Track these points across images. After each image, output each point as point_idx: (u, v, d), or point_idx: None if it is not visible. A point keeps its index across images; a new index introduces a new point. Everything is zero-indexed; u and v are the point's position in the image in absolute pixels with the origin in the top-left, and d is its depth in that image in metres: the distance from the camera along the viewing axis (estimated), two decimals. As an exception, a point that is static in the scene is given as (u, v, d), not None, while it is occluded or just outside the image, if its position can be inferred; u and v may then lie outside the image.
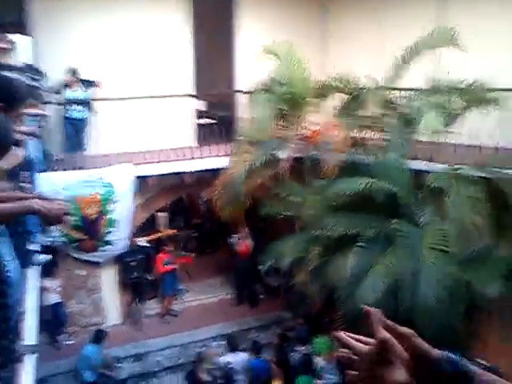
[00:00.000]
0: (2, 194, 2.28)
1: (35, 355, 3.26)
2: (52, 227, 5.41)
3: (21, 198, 2.29)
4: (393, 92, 8.33)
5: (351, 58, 8.90)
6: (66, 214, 2.30)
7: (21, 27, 8.31)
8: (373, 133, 8.57)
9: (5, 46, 6.92)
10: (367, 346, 0.89)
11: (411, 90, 8.14)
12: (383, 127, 8.27)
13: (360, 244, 7.15)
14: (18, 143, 3.48)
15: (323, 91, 8.81)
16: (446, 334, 6.01)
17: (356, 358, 0.90)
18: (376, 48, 8.99)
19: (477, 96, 7.36)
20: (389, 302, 6.56)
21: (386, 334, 0.85)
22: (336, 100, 8.83)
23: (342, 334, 0.92)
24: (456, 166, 7.23)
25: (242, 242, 9.66)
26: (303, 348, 8.02)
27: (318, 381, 6.86)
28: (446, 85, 7.69)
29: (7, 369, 2.75)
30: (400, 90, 8.26)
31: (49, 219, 2.22)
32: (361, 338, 0.92)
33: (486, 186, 6.66)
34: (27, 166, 4.62)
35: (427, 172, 7.46)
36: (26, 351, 3.03)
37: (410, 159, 7.74)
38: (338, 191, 7.47)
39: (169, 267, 9.29)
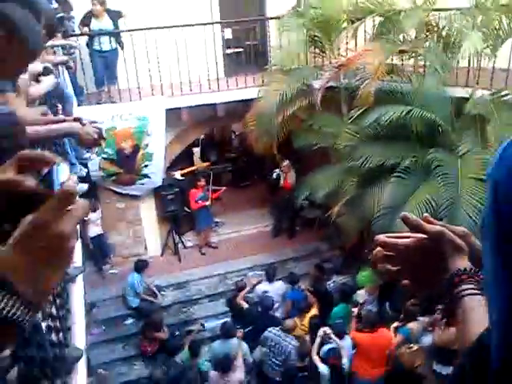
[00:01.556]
0: (41, 117, 2.31)
1: (82, 275, 3.45)
2: (88, 151, 5.48)
3: (59, 121, 2.32)
4: (432, 13, 7.85)
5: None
6: (102, 137, 2.33)
7: None
8: (410, 58, 8.20)
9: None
10: (409, 240, 0.89)
11: (452, 9, 7.63)
12: (421, 52, 7.89)
13: (397, 174, 7.05)
14: (48, 71, 3.49)
15: (357, 14, 8.36)
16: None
17: (392, 253, 0.91)
18: None
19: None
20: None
21: (441, 227, 0.85)
22: (370, 24, 8.41)
23: (381, 236, 0.93)
24: (499, 93, 6.90)
25: (285, 175, 9.60)
26: (340, 278, 8.16)
27: (355, 309, 7.02)
28: (491, 3, 7.17)
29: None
30: (440, 10, 7.75)
31: (85, 141, 2.26)
32: (398, 235, 0.93)
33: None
34: (60, 98, 4.65)
35: (468, 99, 7.15)
36: (75, 272, 3.19)
37: (449, 86, 7.41)
38: (373, 120, 7.28)
39: (201, 203, 9.40)
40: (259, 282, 8.21)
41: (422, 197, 6.70)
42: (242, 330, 6.84)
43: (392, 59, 7.92)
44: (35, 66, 3.12)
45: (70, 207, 0.66)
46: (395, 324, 6.45)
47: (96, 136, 2.24)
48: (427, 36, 8.00)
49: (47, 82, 3.25)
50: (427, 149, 7.13)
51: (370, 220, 7.15)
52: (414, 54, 8.04)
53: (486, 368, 0.59)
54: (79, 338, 3.08)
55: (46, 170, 0.82)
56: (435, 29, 7.84)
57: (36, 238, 0.63)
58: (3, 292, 0.60)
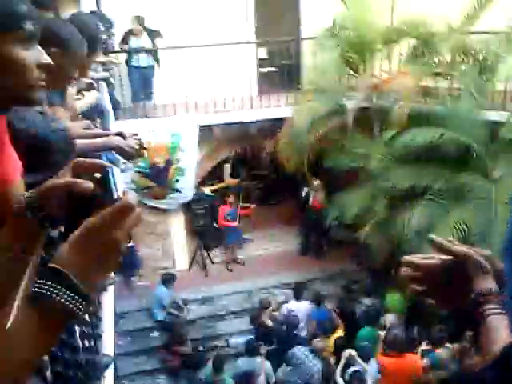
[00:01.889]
0: (86, 131, 2.41)
1: (112, 287, 3.53)
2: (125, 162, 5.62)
3: (102, 135, 2.41)
4: (468, 36, 7.81)
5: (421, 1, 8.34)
6: (143, 148, 2.42)
7: None
8: (445, 81, 8.16)
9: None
10: (435, 261, 0.92)
11: (488, 33, 7.58)
12: (457, 75, 7.84)
13: (428, 197, 6.97)
14: (90, 86, 3.63)
15: (392, 36, 8.40)
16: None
17: (419, 273, 0.93)
18: None
19: None
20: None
21: (467, 248, 0.87)
22: (405, 46, 8.42)
23: (408, 256, 0.95)
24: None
25: (315, 194, 9.62)
26: (368, 300, 8.06)
27: (381, 332, 6.91)
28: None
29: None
30: (476, 33, 7.72)
31: (127, 154, 2.35)
32: (424, 256, 0.96)
33: None
34: (99, 113, 4.80)
35: (503, 123, 7.05)
36: (107, 282, 3.27)
37: (485, 109, 7.33)
38: (406, 142, 7.24)
39: (230, 222, 9.46)
40: (285, 301, 8.17)
41: (454, 221, 6.60)
42: (265, 348, 6.81)
43: (426, 81, 7.89)
44: (79, 81, 3.25)
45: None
46: (424, 347, 6.32)
47: (138, 147, 2.32)
48: (463, 59, 7.95)
49: (90, 97, 3.39)
50: (460, 172, 7.05)
51: (400, 242, 7.06)
52: (449, 77, 7.99)
53: (510, 380, 0.61)
54: (108, 346, 3.14)
55: (99, 175, 0.89)
56: (471, 52, 7.80)
57: (93, 240, 0.70)
58: (60, 285, 0.67)
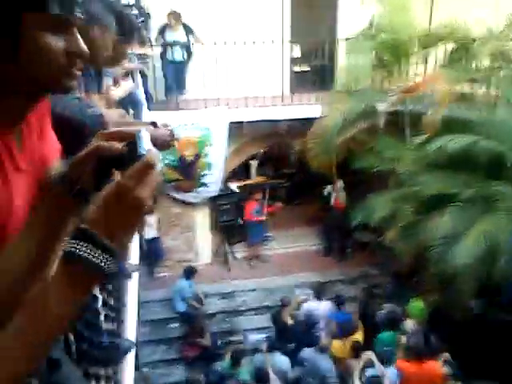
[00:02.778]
0: (121, 120, 2.46)
1: (137, 273, 3.59)
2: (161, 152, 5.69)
3: (134, 125, 2.46)
4: (508, 42, 7.64)
5: (460, 5, 8.18)
6: (174, 139, 2.44)
7: None
8: (482, 87, 8.00)
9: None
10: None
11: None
12: (493, 81, 7.68)
13: (457, 204, 6.85)
14: (126, 76, 3.70)
15: (428, 40, 8.27)
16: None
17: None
18: None
19: None
20: (483, 266, 6.31)
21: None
22: (441, 50, 8.28)
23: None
24: None
25: (336, 194, 9.59)
26: (390, 305, 7.97)
27: (402, 336, 6.84)
28: None
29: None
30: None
31: (160, 143, 2.38)
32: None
33: None
34: (133, 103, 4.88)
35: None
36: (131, 269, 3.33)
37: (521, 118, 7.16)
38: (437, 148, 7.12)
39: (258, 217, 9.50)
40: (305, 300, 8.16)
41: (482, 229, 6.47)
42: (284, 345, 6.82)
43: (462, 86, 7.75)
44: (115, 70, 3.31)
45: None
46: (446, 354, 6.23)
47: (169, 138, 2.35)
48: (501, 65, 7.78)
49: (126, 87, 3.45)
50: (491, 181, 6.90)
51: (425, 248, 6.96)
52: (485, 83, 7.83)
53: None
54: (131, 332, 3.19)
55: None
56: (510, 58, 7.62)
57: (118, 199, 0.74)
58: (88, 242, 0.72)
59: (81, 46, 0.88)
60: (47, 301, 0.72)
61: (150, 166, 0.77)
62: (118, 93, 3.21)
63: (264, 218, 9.60)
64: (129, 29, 3.03)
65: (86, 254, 0.71)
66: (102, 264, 0.72)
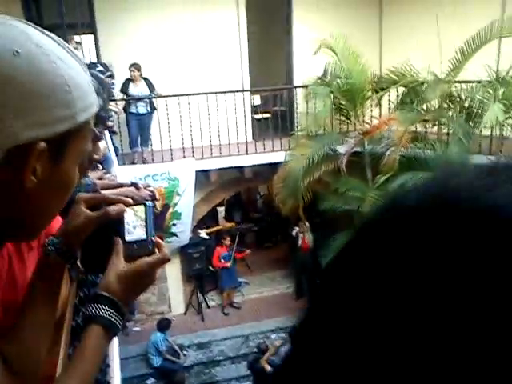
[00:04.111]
0: (101, 182, 2.53)
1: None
2: None
3: (116, 187, 2.53)
4: (453, 85, 8.19)
5: (407, 52, 8.73)
6: (155, 199, 2.52)
7: (88, 27, 8.97)
8: (433, 127, 8.47)
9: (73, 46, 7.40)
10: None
11: (473, 82, 7.96)
12: (444, 121, 8.16)
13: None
14: (99, 138, 3.77)
15: (381, 84, 8.78)
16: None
17: None
18: (433, 41, 8.63)
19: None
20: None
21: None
22: (393, 94, 8.78)
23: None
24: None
25: (303, 236, 9.76)
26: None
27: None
28: (511, 76, 7.49)
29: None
30: (462, 82, 8.10)
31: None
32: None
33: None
34: (105, 161, 4.95)
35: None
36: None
37: (473, 153, 7.59)
38: (398, 186, 7.43)
39: (225, 263, 9.52)
40: (282, 345, 8.12)
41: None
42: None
43: (416, 127, 8.18)
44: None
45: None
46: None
47: (150, 199, 2.43)
48: (450, 106, 8.30)
49: (102, 147, 3.52)
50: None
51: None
52: (437, 123, 8.31)
53: None
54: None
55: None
56: (457, 99, 8.15)
57: (139, 279, 0.88)
58: (114, 310, 0.85)
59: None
60: (86, 362, 0.82)
61: (167, 260, 0.93)
62: (97, 157, 3.27)
63: (230, 264, 9.61)
64: (104, 92, 3.15)
65: (108, 317, 0.84)
66: (119, 325, 0.85)
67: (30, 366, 0.84)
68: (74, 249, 0.90)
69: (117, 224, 0.92)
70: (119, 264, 0.88)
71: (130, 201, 0.97)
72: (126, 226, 0.94)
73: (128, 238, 0.92)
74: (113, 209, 0.91)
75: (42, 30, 0.70)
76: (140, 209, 0.99)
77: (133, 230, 0.94)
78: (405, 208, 0.33)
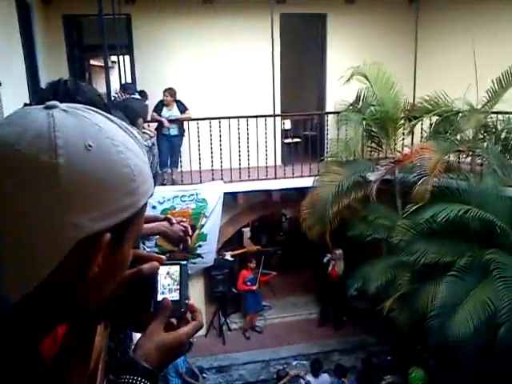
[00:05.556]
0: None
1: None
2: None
3: (150, 221, 2.50)
4: (489, 115, 8.04)
5: (442, 81, 8.63)
6: (188, 235, 2.48)
7: (126, 48, 9.36)
8: (467, 157, 8.31)
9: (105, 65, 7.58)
10: None
11: (510, 113, 7.80)
12: (479, 152, 8.00)
13: (453, 273, 6.91)
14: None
15: (414, 113, 8.69)
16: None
17: None
18: (469, 71, 8.47)
19: None
20: (483, 335, 6.30)
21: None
22: (426, 123, 8.67)
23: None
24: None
25: (334, 263, 9.62)
26: (389, 376, 7.83)
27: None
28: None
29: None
30: (498, 113, 7.95)
31: (173, 240, 2.42)
32: None
33: None
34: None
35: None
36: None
37: (508, 186, 7.40)
38: (429, 217, 7.28)
39: (250, 286, 9.44)
40: (299, 375, 7.97)
41: (480, 298, 6.51)
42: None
43: (449, 156, 8.04)
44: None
45: None
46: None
47: (183, 234, 2.39)
48: (485, 137, 8.13)
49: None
50: (485, 249, 7.01)
51: (423, 317, 6.95)
52: (471, 153, 8.15)
53: None
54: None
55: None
56: (493, 130, 7.99)
57: (177, 348, 0.84)
58: (151, 382, 0.80)
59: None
60: None
61: (201, 327, 0.89)
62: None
63: (256, 287, 9.53)
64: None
65: None
66: None
67: None
68: (106, 306, 0.86)
69: (149, 282, 0.88)
70: (160, 332, 0.84)
71: (164, 258, 0.92)
72: (159, 286, 0.91)
73: (160, 298, 0.88)
74: (147, 267, 0.87)
75: (108, 116, 0.68)
76: (174, 269, 0.95)
77: (166, 291, 0.91)
78: None
